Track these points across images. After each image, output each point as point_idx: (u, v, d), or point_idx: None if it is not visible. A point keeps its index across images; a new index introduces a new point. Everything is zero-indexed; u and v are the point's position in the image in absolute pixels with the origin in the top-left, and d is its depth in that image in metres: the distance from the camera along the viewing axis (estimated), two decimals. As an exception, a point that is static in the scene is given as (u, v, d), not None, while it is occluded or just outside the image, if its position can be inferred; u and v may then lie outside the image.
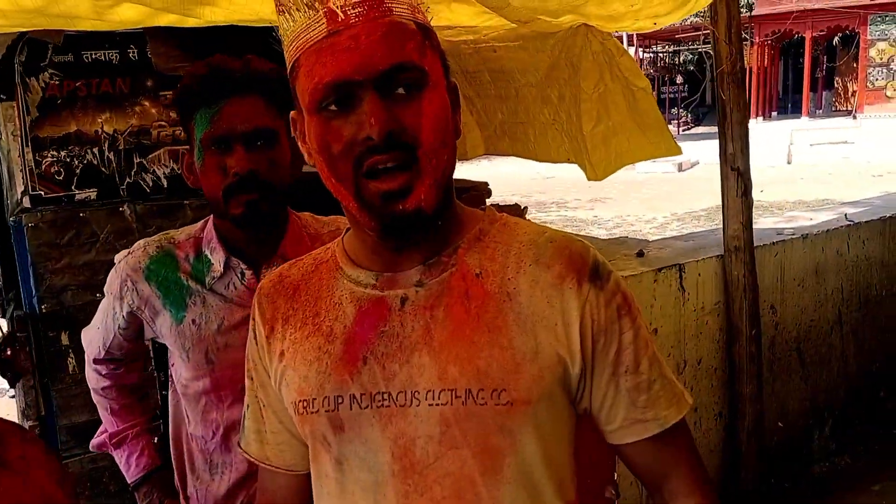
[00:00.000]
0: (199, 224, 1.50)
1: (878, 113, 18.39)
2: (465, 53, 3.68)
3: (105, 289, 1.52)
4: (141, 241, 1.50)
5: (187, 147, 1.43)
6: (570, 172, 3.66)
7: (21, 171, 2.38)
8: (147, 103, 2.57)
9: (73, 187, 2.48)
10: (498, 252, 0.95)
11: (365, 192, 0.86)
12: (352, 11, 0.85)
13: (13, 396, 4.54)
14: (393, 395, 0.91)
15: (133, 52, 2.54)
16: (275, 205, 1.37)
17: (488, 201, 3.93)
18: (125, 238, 2.53)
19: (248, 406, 1.09)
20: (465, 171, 4.54)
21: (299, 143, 0.97)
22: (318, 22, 0.86)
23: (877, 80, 18.81)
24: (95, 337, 1.59)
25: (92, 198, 2.52)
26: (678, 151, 2.87)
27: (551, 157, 3.29)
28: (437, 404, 0.89)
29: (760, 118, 20.02)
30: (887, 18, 18.55)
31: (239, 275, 1.43)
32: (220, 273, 1.43)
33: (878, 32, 18.69)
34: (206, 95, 1.33)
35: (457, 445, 0.89)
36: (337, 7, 0.85)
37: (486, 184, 4.02)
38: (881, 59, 18.81)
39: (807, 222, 3.35)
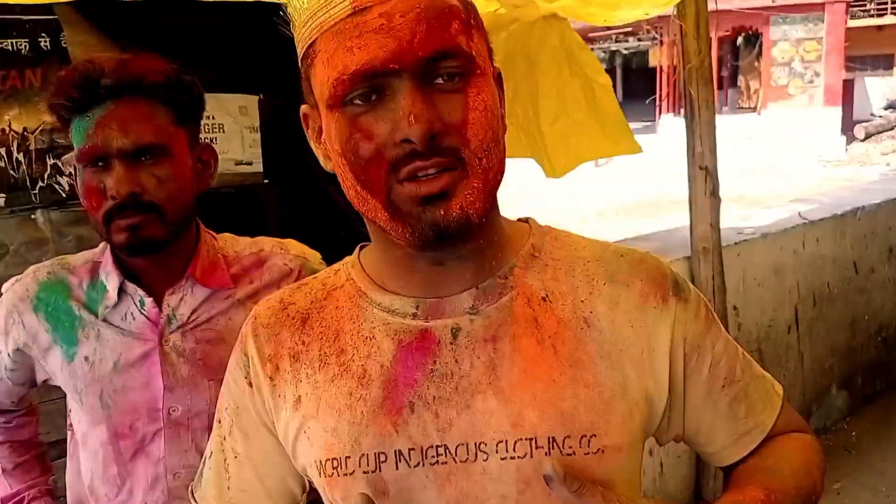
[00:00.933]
0: (100, 247, 1.28)
1: (781, 109, 19.28)
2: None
3: None
4: (31, 267, 1.28)
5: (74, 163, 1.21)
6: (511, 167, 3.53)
7: (-85, 175, 2.07)
8: None
9: (-24, 194, 2.19)
10: (560, 271, 0.82)
11: (399, 198, 0.72)
12: None
13: None
14: (451, 449, 0.76)
15: (45, 41, 2.27)
16: (168, 228, 1.16)
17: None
18: (39, 249, 2.26)
19: (210, 454, 0.92)
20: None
21: (312, 144, 0.82)
22: None
23: (779, 78, 19.69)
24: None
25: (0, 204, 2.23)
26: (638, 149, 2.80)
27: (507, 153, 3.17)
28: (513, 458, 0.75)
29: (671, 114, 20.59)
30: (788, 20, 19.44)
31: (137, 303, 1.22)
32: (114, 301, 1.22)
33: (779, 33, 19.58)
34: (77, 103, 1.11)
35: None
36: None
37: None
38: (783, 58, 19.69)
39: (763, 221, 3.33)
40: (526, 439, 0.75)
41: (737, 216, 3.51)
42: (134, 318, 1.23)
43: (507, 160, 0.80)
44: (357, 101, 0.71)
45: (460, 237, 0.73)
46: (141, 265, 1.22)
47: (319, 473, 0.80)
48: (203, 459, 0.93)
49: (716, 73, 22.20)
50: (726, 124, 19.36)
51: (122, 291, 1.23)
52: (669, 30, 20.98)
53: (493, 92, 0.75)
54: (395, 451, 0.76)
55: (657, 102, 20.80)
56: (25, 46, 2.22)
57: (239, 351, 0.88)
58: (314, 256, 1.36)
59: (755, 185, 11.52)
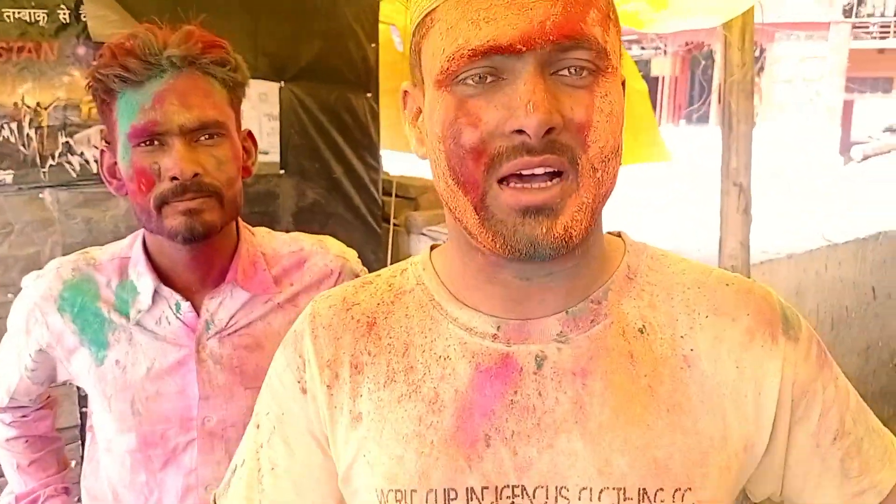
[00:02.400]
0: (128, 240, 1.19)
1: (779, 125, 19.37)
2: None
3: (8, 321, 1.20)
4: (53, 262, 1.18)
5: (106, 143, 1.11)
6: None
7: (-79, 145, 2.00)
8: (77, 74, 2.22)
9: (-16, 168, 2.12)
10: (657, 298, 0.74)
11: (495, 203, 0.64)
12: None
13: None
14: (529, 491, 0.69)
15: (64, 14, 2.21)
16: (223, 215, 1.08)
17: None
18: (45, 230, 2.22)
19: (241, 462, 0.82)
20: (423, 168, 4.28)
21: (406, 127, 0.74)
22: None
23: (780, 94, 19.80)
24: None
25: (7, 181, 2.17)
26: (668, 157, 2.77)
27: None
28: None
29: (671, 123, 20.65)
30: (792, 37, 19.52)
31: (173, 307, 1.14)
32: (147, 305, 1.13)
33: (783, 50, 19.66)
34: (131, 76, 1.01)
35: None
36: None
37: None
38: (785, 75, 19.79)
39: (783, 242, 3.30)
40: (613, 489, 0.68)
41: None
42: (169, 323, 1.15)
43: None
44: (469, 81, 0.63)
45: (557, 256, 0.65)
46: (179, 264, 1.13)
47: (379, 503, 0.72)
48: (232, 467, 0.84)
49: (717, 86, 22.27)
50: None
51: (155, 294, 1.14)
52: (674, 40, 21.01)
53: (620, 97, 0.67)
54: (468, 489, 0.69)
55: (657, 112, 20.84)
56: (44, 17, 2.15)
57: (291, 351, 0.79)
58: (353, 256, 1.29)
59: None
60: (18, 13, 2.11)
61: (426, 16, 0.67)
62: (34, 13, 2.14)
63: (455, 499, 0.70)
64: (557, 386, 0.70)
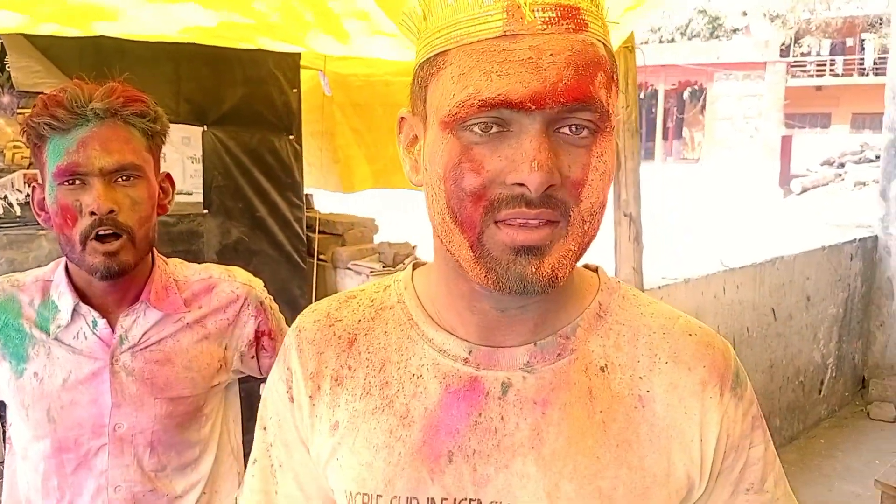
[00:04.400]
0: (50, 266, 1.31)
1: (721, 161, 19.98)
2: (354, 86, 3.60)
3: None
4: None
5: (37, 181, 1.25)
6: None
7: None
8: (1, 121, 2.31)
9: None
10: (623, 339, 0.78)
11: (490, 241, 0.67)
12: (540, 15, 0.65)
13: None
14: None
15: None
16: (136, 254, 1.22)
17: (376, 238, 3.84)
18: None
19: (254, 461, 0.91)
20: (351, 204, 4.42)
21: (401, 150, 0.77)
22: (492, 14, 0.65)
23: (721, 131, 20.47)
24: None
25: None
26: None
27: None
28: None
29: (619, 162, 21.20)
30: (731, 76, 20.28)
31: (90, 323, 1.25)
32: (67, 321, 1.25)
33: (722, 89, 20.39)
34: (59, 124, 1.16)
35: None
36: (525, 1, 0.65)
37: (372, 220, 3.92)
38: (725, 113, 20.50)
39: (685, 267, 3.49)
40: None
41: (663, 262, 3.67)
42: (86, 338, 1.26)
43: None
44: (476, 129, 0.66)
45: (536, 295, 0.69)
46: (97, 287, 1.25)
47: (347, 503, 0.79)
48: (249, 464, 0.92)
49: (661, 124, 22.96)
50: (669, 173, 19.98)
51: (74, 311, 1.25)
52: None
53: (613, 155, 0.70)
54: (428, 499, 0.75)
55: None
56: None
57: (282, 363, 0.85)
58: (258, 284, 1.42)
59: (691, 234, 11.84)
60: (-58, 65, 2.21)
61: (437, 55, 0.69)
62: (-42, 65, 2.24)
63: None
64: (519, 412, 0.74)
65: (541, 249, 0.67)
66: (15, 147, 2.33)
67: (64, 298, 1.25)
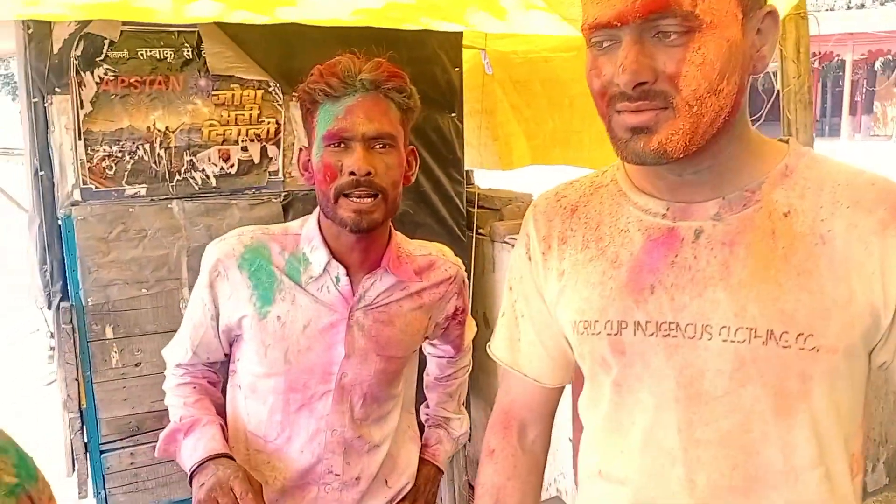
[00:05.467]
0: (297, 222, 1.46)
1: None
2: (514, 63, 3.64)
3: (197, 284, 1.45)
4: (234, 231, 1.46)
5: (304, 146, 1.40)
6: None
7: (72, 164, 2.36)
8: (199, 102, 2.54)
9: (123, 182, 2.46)
10: (808, 190, 0.88)
11: (614, 124, 0.86)
12: None
13: (49, 384, 4.58)
14: (681, 326, 0.89)
15: (188, 51, 2.50)
16: (385, 212, 1.33)
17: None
18: (172, 235, 2.55)
19: (503, 314, 1.13)
20: (509, 181, 4.49)
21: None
22: None
23: (919, 105, 18.52)
24: (181, 339, 1.50)
25: (141, 193, 2.50)
26: None
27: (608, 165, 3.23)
28: (733, 341, 0.86)
29: (797, 140, 19.72)
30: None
31: (334, 279, 1.38)
32: (318, 273, 1.38)
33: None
34: (332, 91, 1.29)
35: (749, 383, 0.87)
36: None
37: (529, 196, 3.96)
38: (924, 84, 18.51)
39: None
40: (746, 328, 0.85)
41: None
42: (329, 292, 1.38)
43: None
44: (595, 45, 0.85)
45: (664, 164, 0.85)
46: (346, 246, 1.38)
47: (573, 331, 0.99)
48: (499, 317, 1.14)
49: (849, 97, 21.12)
50: (857, 151, 18.36)
51: (325, 267, 1.37)
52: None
53: (719, 46, 0.80)
54: (635, 322, 0.92)
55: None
56: (171, 54, 2.48)
57: (522, 232, 1.08)
58: (460, 263, 1.56)
59: None
60: (150, 51, 2.43)
61: None
62: (163, 51, 2.46)
63: (626, 328, 0.92)
64: (710, 252, 0.88)
65: (649, 129, 0.82)
66: (210, 125, 2.56)
67: (317, 253, 1.37)
